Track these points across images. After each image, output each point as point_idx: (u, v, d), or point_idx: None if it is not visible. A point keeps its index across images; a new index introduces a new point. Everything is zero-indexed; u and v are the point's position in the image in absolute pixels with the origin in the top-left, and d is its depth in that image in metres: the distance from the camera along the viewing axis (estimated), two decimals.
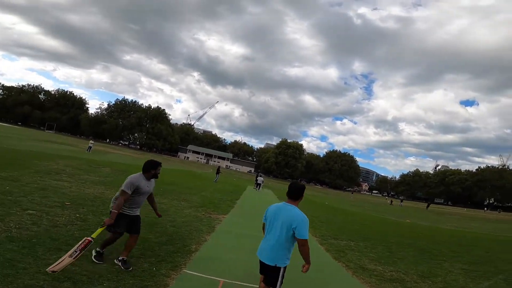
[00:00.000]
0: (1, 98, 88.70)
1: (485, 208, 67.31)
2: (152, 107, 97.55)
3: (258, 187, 25.08)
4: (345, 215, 15.71)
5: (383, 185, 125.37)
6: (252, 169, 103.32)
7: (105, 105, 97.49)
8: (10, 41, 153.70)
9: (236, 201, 13.07)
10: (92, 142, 28.70)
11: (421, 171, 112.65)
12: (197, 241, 5.34)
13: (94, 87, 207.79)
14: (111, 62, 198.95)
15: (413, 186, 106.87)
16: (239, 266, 4.46)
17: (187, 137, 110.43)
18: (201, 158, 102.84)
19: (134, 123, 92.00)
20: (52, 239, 3.84)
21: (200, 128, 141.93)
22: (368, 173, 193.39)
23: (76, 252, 3.07)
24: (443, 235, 11.75)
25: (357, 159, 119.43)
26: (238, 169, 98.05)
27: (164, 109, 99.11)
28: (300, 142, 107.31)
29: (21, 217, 4.50)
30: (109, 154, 30.13)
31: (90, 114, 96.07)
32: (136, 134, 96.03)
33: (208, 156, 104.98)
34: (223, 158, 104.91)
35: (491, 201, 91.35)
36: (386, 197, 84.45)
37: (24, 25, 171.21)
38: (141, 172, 3.77)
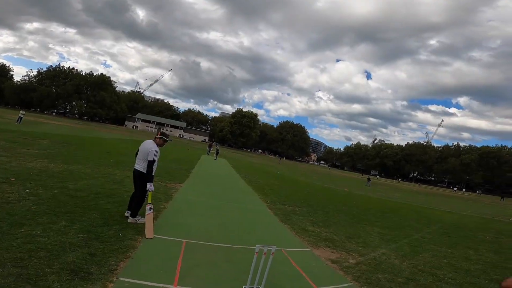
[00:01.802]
0: None
1: (419, 184, 75.19)
2: (95, 74, 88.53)
3: (215, 156, 25.94)
4: (293, 184, 17.23)
5: (330, 156, 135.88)
6: (207, 138, 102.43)
7: (35, 72, 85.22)
8: None
9: (191, 170, 13.38)
10: (23, 112, 25.40)
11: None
12: (156, 209, 5.63)
13: None
14: (11, 28, 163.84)
15: (354, 158, 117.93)
16: (198, 228, 5.01)
17: (135, 105, 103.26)
18: (151, 127, 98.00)
19: (71, 91, 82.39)
20: (10, 215, 3.83)
21: (151, 96, 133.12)
22: (318, 144, 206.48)
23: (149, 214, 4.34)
24: (371, 203, 13.82)
25: (309, 130, 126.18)
26: (192, 138, 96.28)
27: (109, 77, 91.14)
28: (255, 112, 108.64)
29: None
30: (43, 125, 27.09)
31: (15, 82, 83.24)
32: (74, 103, 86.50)
33: (160, 125, 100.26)
34: (176, 127, 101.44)
35: (415, 174, 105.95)
36: (329, 168, 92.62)
37: None
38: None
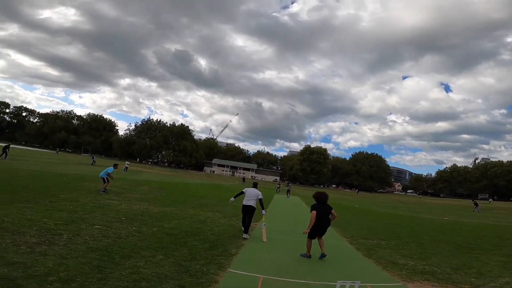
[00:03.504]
0: (39, 125, 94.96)
1: None
2: (176, 125, 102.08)
3: (287, 194, 26.30)
4: (376, 217, 15.67)
5: (418, 183, 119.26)
6: (278, 178, 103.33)
7: (133, 126, 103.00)
8: (23, 72, 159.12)
9: (265, 209, 13.63)
10: (128, 163, 30.91)
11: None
12: (236, 245, 6.00)
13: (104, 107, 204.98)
14: (110, 85, 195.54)
15: (451, 182, 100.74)
16: (274, 264, 5.06)
17: (211, 151, 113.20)
18: (226, 171, 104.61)
19: (161, 142, 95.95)
20: (121, 248, 4.67)
21: (223, 141, 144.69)
22: (400, 172, 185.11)
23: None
24: (484, 230, 11.51)
25: (387, 158, 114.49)
26: (263, 179, 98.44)
27: (187, 126, 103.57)
28: (324, 147, 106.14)
29: (92, 231, 5.42)
30: (143, 173, 32.08)
31: (120, 136, 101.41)
32: (163, 152, 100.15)
33: (233, 168, 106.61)
34: (248, 169, 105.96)
35: None
36: (419, 196, 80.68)
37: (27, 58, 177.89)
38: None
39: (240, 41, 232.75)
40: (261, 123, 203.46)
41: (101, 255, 4.24)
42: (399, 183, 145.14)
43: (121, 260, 4.15)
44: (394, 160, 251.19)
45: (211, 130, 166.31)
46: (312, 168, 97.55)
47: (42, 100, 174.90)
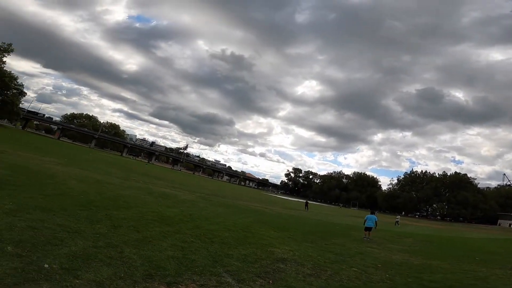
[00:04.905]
0: (320, 185, 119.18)
1: None
2: (448, 174, 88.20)
3: None
4: None
5: None
6: None
7: (395, 180, 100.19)
8: (304, 142, 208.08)
9: None
10: (399, 217, 31.67)
11: None
12: None
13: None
14: (366, 143, 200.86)
15: None
16: None
17: (509, 201, 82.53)
18: None
19: (430, 194, 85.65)
20: None
21: None
22: None
23: None
24: None
25: None
26: None
27: (465, 174, 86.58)
28: None
29: (349, 272, 6.07)
30: (408, 226, 30.10)
31: (383, 191, 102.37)
32: (434, 205, 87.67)
33: None
34: None
35: None
36: None
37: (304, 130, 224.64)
38: None
39: (497, 55, 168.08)
40: None
41: None
42: None
43: None
44: None
45: (504, 174, 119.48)
46: None
47: (319, 164, 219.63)
